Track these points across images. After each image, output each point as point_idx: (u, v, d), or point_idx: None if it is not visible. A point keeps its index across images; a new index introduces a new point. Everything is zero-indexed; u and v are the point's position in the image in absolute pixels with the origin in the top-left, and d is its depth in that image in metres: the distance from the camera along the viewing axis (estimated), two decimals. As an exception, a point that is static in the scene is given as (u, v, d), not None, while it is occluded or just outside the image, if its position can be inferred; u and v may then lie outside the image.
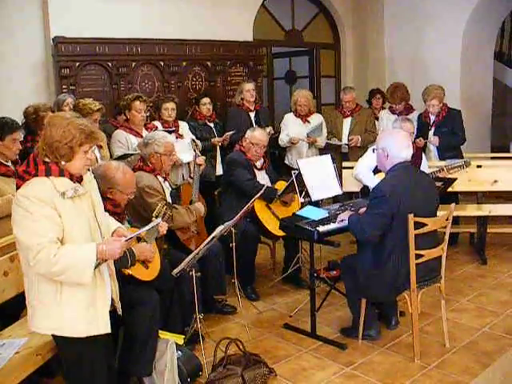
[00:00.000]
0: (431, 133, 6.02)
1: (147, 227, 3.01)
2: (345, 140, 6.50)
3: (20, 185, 2.65)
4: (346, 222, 3.99)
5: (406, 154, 3.83)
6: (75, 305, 2.68)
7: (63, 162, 2.65)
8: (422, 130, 6.05)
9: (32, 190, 2.56)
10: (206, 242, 3.71)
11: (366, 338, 4.13)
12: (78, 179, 2.75)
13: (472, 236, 6.31)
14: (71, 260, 2.54)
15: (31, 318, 2.75)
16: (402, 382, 3.59)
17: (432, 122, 6.04)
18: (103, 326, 2.78)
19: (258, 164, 5.25)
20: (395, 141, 3.84)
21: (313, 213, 4.24)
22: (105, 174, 3.52)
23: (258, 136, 5.11)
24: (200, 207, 4.53)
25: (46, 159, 2.64)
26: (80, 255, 2.58)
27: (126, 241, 2.78)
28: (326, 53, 8.69)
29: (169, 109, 5.73)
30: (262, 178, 5.23)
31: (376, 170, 5.03)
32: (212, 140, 6.05)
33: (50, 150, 2.62)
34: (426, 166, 5.36)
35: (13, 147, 4.10)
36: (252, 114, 6.41)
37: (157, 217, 3.64)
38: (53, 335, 2.78)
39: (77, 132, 2.63)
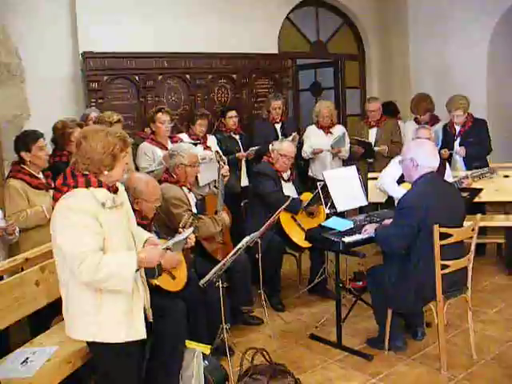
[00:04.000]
0: (457, 143, 6.00)
1: (180, 237, 3.07)
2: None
3: (58, 197, 2.74)
4: (372, 233, 4.01)
5: (435, 163, 3.85)
6: (114, 311, 2.76)
7: (106, 172, 2.75)
8: (447, 141, 6.04)
9: (75, 201, 2.66)
10: (232, 253, 3.75)
11: (393, 348, 4.13)
12: (115, 190, 2.83)
13: (499, 247, 6.25)
14: (114, 268, 2.63)
15: (70, 325, 2.83)
16: (429, 393, 3.59)
17: (457, 132, 6.02)
18: (140, 332, 2.86)
19: (285, 176, 5.30)
20: (424, 150, 3.86)
21: (338, 224, 4.26)
22: (128, 185, 3.59)
23: (286, 148, 5.17)
24: (225, 217, 4.57)
25: (85, 172, 2.72)
26: (122, 263, 2.68)
27: (164, 249, 2.86)
28: (350, 64, 8.70)
29: (202, 125, 5.80)
30: (289, 189, 5.27)
31: (400, 181, 5.05)
32: (237, 154, 6.09)
33: (92, 162, 2.72)
34: (449, 176, 5.35)
35: (41, 154, 4.21)
36: (278, 126, 6.46)
37: (183, 227, 3.69)
38: (89, 343, 2.85)
39: (115, 140, 2.76)
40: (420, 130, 5.34)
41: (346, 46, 8.60)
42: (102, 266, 2.61)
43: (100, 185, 2.76)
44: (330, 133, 6.47)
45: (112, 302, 2.75)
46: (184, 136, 5.74)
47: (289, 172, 5.34)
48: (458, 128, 6.02)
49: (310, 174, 6.63)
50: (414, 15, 8.11)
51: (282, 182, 5.24)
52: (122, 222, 2.85)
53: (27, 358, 3.07)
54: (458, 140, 6.01)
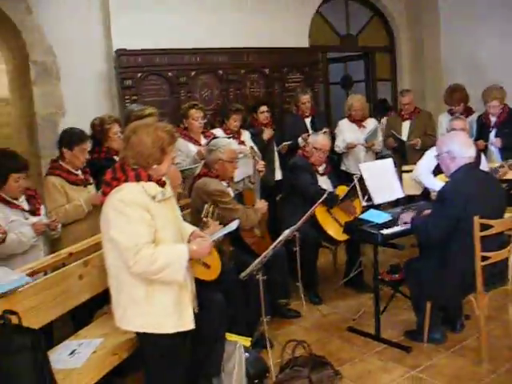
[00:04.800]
0: (492, 134, 5.93)
1: (226, 229, 3.12)
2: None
3: (107, 191, 2.79)
4: (409, 224, 4.00)
5: (471, 153, 3.84)
6: (165, 303, 2.81)
7: (155, 166, 2.79)
8: (482, 132, 5.97)
9: (127, 194, 2.71)
10: (273, 246, 3.77)
11: (431, 341, 4.11)
12: (162, 184, 2.88)
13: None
14: (168, 259, 2.69)
15: (121, 317, 2.88)
16: (470, 385, 3.56)
17: (493, 123, 5.95)
18: (189, 323, 2.91)
19: (321, 169, 5.30)
20: (458, 142, 3.85)
21: (376, 216, 4.26)
22: None
23: (321, 141, 5.18)
24: (262, 205, 4.60)
25: (135, 166, 2.77)
26: (175, 255, 2.73)
27: (213, 241, 2.92)
28: (381, 56, 8.65)
29: (237, 120, 5.83)
30: (325, 182, 5.27)
31: (435, 172, 5.02)
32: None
33: (141, 156, 2.77)
34: (485, 168, 5.29)
35: (80, 157, 4.27)
36: (308, 120, 6.45)
37: (206, 217, 3.72)
38: (139, 333, 2.91)
39: (164, 134, 2.81)
40: (454, 121, 5.32)
41: (376, 38, 8.53)
42: (156, 257, 2.66)
43: (150, 179, 2.80)
44: (363, 126, 6.45)
45: (162, 294, 2.80)
46: (218, 131, 5.77)
47: (324, 165, 5.34)
48: (493, 119, 5.95)
49: (342, 168, 6.60)
50: (445, 5, 8.01)
51: (318, 175, 5.25)
52: (171, 216, 2.91)
53: (74, 350, 3.15)
54: (494, 131, 5.94)
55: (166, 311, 2.82)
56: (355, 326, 4.48)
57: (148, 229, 2.71)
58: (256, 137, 6.02)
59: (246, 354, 3.71)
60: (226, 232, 3.14)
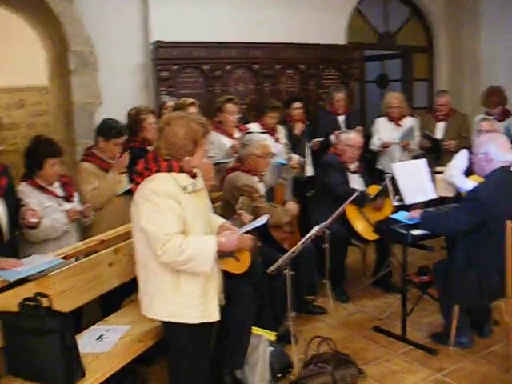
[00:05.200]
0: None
1: (255, 224, 3.16)
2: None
3: (139, 181, 2.83)
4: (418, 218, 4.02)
5: (508, 157, 3.82)
6: (191, 293, 2.84)
7: (187, 157, 2.83)
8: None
9: (159, 185, 2.74)
10: (302, 242, 3.77)
11: (458, 345, 4.07)
12: (193, 175, 2.91)
13: None
14: (196, 250, 2.72)
15: (148, 305, 2.92)
16: (497, 392, 3.54)
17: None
18: (214, 314, 2.93)
19: (353, 167, 5.26)
20: (497, 145, 3.83)
21: (406, 217, 4.23)
22: None
23: (353, 138, 5.15)
24: (294, 207, 4.60)
25: (167, 157, 2.81)
26: (204, 246, 2.76)
27: (241, 234, 2.95)
28: (418, 55, 8.55)
29: (274, 118, 5.81)
30: (356, 181, 5.25)
31: (468, 173, 4.96)
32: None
33: (174, 147, 2.80)
34: None
35: (114, 149, 4.34)
36: (341, 118, 6.42)
37: (240, 209, 3.74)
38: (164, 322, 2.94)
39: (197, 126, 2.84)
40: (481, 123, 5.32)
41: (414, 37, 8.43)
42: (185, 248, 2.69)
43: (181, 170, 2.83)
44: (400, 125, 6.36)
45: (189, 284, 2.83)
46: (255, 126, 5.76)
47: (356, 163, 5.30)
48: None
49: (378, 166, 6.52)
50: (486, 5, 7.88)
51: (349, 173, 5.22)
52: (201, 207, 2.93)
53: (102, 335, 3.22)
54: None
55: (192, 302, 2.84)
56: (381, 326, 4.46)
57: (178, 219, 2.74)
58: (288, 132, 6.02)
59: (271, 348, 3.73)
60: (254, 226, 3.15)
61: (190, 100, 5.08)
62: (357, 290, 5.25)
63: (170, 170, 2.80)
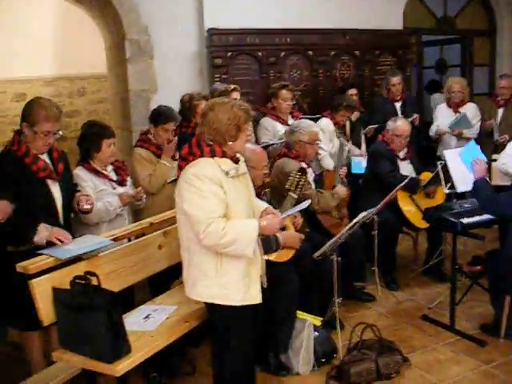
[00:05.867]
0: None
1: (298, 208, 3.17)
2: (496, 131, 6.18)
3: (183, 165, 2.90)
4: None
5: None
6: (233, 276, 2.89)
7: (230, 143, 2.88)
8: None
9: (202, 170, 2.80)
10: (348, 227, 3.77)
11: (509, 337, 3.99)
12: (236, 161, 2.96)
13: None
14: (238, 234, 2.77)
15: (192, 287, 2.98)
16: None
17: None
18: (256, 296, 2.97)
19: (402, 154, 5.21)
20: None
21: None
22: None
23: (401, 127, 5.09)
24: (341, 190, 4.56)
25: (210, 142, 2.87)
26: (245, 229, 2.80)
27: (283, 218, 2.98)
28: (480, 40, 8.30)
29: (346, 116, 5.68)
30: (406, 168, 5.19)
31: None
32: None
33: (217, 132, 2.85)
34: None
35: (163, 135, 4.43)
36: (398, 104, 6.34)
37: (289, 188, 3.75)
38: (208, 304, 3.00)
39: (240, 112, 2.87)
40: None
41: (475, 20, 8.18)
42: (227, 231, 2.73)
43: (224, 155, 2.88)
44: (459, 112, 6.20)
45: (232, 267, 2.88)
46: (325, 121, 5.60)
47: (405, 150, 5.25)
48: None
49: (438, 153, 6.38)
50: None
51: (399, 161, 5.17)
52: (243, 192, 2.97)
53: (149, 315, 3.31)
54: None
55: (234, 284, 2.89)
56: (430, 315, 4.42)
57: (220, 203, 2.79)
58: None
59: (316, 333, 3.76)
60: (297, 210, 3.18)
61: (233, 86, 5.14)
62: (407, 278, 5.20)
63: (212, 154, 2.85)
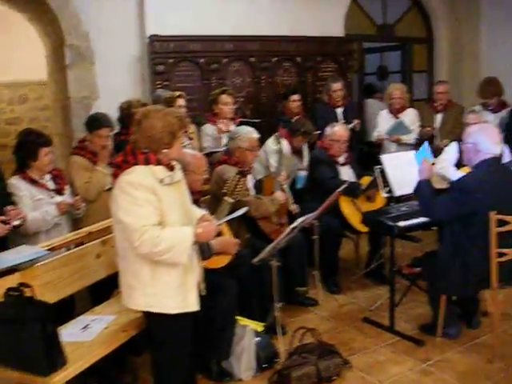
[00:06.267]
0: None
1: (235, 214, 3.20)
2: (437, 136, 6.33)
3: (117, 174, 2.88)
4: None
5: (497, 150, 3.82)
6: (169, 283, 2.89)
7: (165, 150, 2.88)
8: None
9: (136, 177, 2.80)
10: (286, 233, 3.80)
11: (446, 336, 4.09)
12: (171, 168, 2.96)
13: None
14: (173, 241, 2.77)
15: (129, 296, 2.97)
16: (480, 382, 3.55)
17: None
18: (193, 304, 2.97)
19: (341, 159, 5.28)
20: (486, 136, 3.81)
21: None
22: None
23: (338, 132, 5.17)
24: (279, 196, 4.59)
25: (145, 150, 2.86)
26: (180, 237, 2.81)
27: (218, 225, 3.01)
28: (418, 47, 8.51)
29: (302, 141, 5.69)
30: (346, 173, 5.26)
31: (458, 165, 4.97)
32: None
33: (152, 140, 2.85)
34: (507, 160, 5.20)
35: (98, 141, 4.40)
36: (339, 110, 6.42)
37: (226, 192, 3.75)
38: (145, 313, 3.00)
39: (174, 119, 2.89)
40: (469, 115, 5.33)
41: (413, 28, 8.39)
42: (161, 239, 2.73)
43: (159, 163, 2.88)
44: (398, 118, 6.33)
45: (167, 275, 2.88)
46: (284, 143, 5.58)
47: (345, 155, 5.32)
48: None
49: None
50: (486, -4, 7.85)
51: (339, 166, 5.24)
52: (179, 199, 2.97)
53: (87, 325, 3.28)
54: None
55: (170, 292, 2.89)
56: (371, 317, 4.49)
57: (154, 211, 2.79)
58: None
59: (258, 338, 3.78)
60: (231, 217, 3.19)
61: (178, 93, 5.15)
62: (349, 281, 5.28)
63: (147, 162, 2.84)
